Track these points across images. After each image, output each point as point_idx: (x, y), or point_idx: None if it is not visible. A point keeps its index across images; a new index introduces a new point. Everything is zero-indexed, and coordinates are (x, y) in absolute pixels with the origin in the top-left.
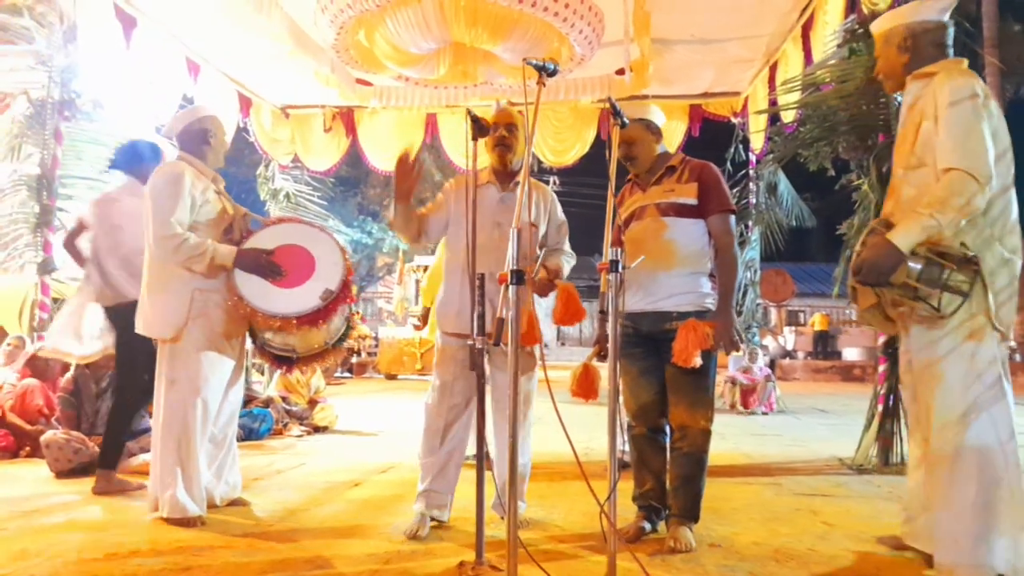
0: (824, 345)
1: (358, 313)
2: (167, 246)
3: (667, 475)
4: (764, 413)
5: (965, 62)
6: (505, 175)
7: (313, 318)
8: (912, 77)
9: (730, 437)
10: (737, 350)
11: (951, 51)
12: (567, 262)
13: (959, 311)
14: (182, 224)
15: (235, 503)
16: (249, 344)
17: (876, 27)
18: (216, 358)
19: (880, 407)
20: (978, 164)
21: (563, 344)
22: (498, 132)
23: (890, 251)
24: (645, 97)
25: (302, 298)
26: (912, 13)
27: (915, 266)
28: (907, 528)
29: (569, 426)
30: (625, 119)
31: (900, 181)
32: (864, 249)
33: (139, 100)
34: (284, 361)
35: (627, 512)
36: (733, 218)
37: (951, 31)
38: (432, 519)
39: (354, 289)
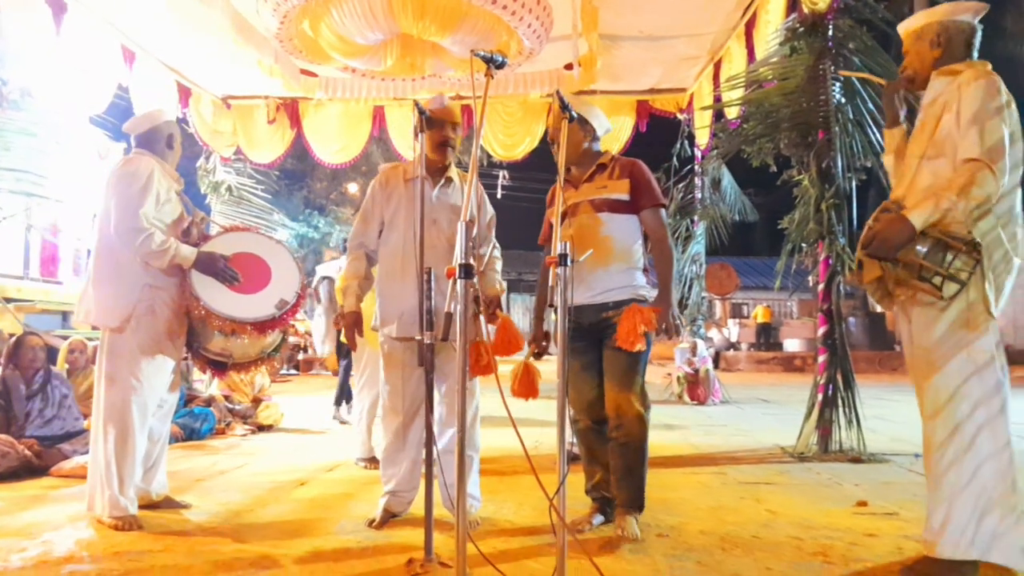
0: (767, 337)
1: (293, 326)
2: (133, 239)
3: (611, 465)
4: (714, 403)
5: (989, 64)
6: (436, 170)
7: (264, 326)
8: (939, 72)
9: (678, 428)
10: (677, 334)
11: (976, 54)
12: (497, 269)
13: (957, 299)
14: (148, 219)
15: (167, 501)
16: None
17: (907, 25)
18: (159, 358)
19: (820, 396)
20: (997, 158)
21: None
22: (445, 131)
23: (903, 226)
24: (593, 93)
25: (257, 305)
26: (947, 12)
27: (921, 248)
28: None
29: (518, 420)
30: (574, 113)
31: (913, 169)
32: (876, 223)
33: (71, 89)
34: (217, 367)
35: (577, 504)
36: (664, 211)
37: (979, 35)
38: (393, 515)
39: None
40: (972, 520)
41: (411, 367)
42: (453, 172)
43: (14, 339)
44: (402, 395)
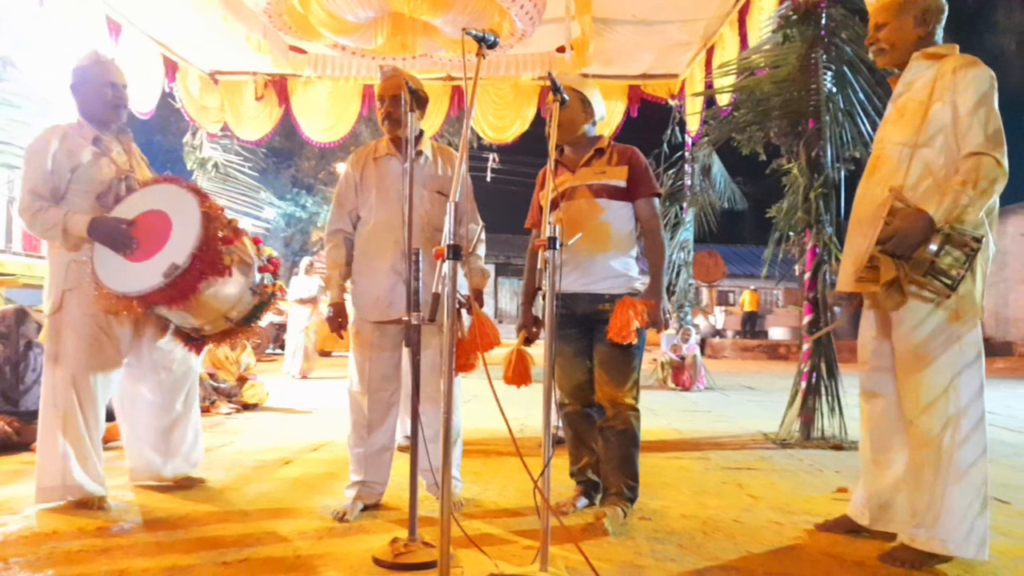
0: (752, 325)
1: (274, 285)
2: (24, 219)
3: (603, 455)
4: (698, 389)
5: (957, 48)
6: (400, 145)
7: (150, 298)
8: (922, 55)
9: (662, 413)
10: (666, 328)
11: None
12: (480, 253)
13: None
14: (40, 194)
15: (187, 481)
16: None
17: None
18: (98, 333)
19: (803, 384)
20: (999, 146)
21: (500, 322)
22: (384, 106)
23: (924, 222)
24: (585, 77)
25: (144, 275)
26: None
27: (933, 246)
28: (878, 513)
29: (504, 403)
30: (565, 95)
31: (896, 157)
32: (895, 219)
33: (55, 60)
34: (191, 341)
35: (562, 488)
36: (657, 201)
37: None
38: (364, 506)
39: (228, 259)
40: (968, 517)
41: (379, 348)
42: (426, 146)
43: (13, 309)
44: (368, 377)
